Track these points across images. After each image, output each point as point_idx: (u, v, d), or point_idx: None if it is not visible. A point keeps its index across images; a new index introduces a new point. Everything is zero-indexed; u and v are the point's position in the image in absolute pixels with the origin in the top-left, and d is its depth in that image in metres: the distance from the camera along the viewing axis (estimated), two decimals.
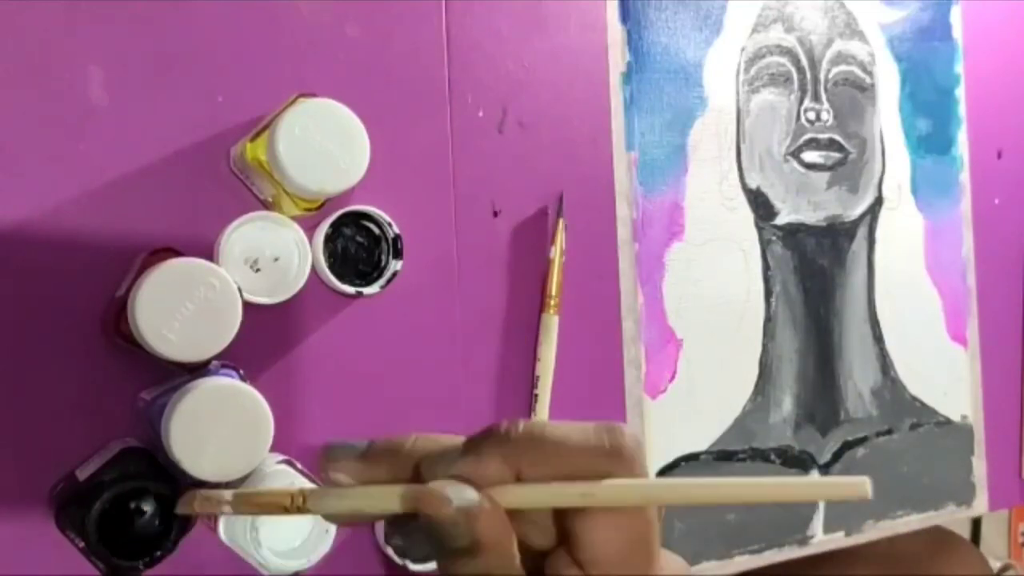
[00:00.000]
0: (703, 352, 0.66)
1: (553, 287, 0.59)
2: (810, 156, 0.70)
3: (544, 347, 0.59)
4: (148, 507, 0.42)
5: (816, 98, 0.71)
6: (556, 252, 0.59)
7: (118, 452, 0.43)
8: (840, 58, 0.72)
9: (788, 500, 0.27)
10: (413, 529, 0.28)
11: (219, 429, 0.41)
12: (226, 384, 0.43)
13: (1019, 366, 0.81)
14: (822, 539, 0.70)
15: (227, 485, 0.45)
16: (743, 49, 0.68)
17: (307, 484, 0.44)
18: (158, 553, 0.41)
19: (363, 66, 0.55)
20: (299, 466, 0.47)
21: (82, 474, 0.43)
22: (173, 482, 0.42)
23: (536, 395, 0.59)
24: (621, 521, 0.28)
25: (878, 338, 0.73)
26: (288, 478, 0.44)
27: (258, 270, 0.49)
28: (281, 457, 0.47)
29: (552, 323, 0.59)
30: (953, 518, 0.77)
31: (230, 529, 0.44)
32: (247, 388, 0.43)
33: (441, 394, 0.57)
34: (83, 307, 0.48)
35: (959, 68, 0.78)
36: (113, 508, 0.41)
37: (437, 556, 0.28)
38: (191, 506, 0.30)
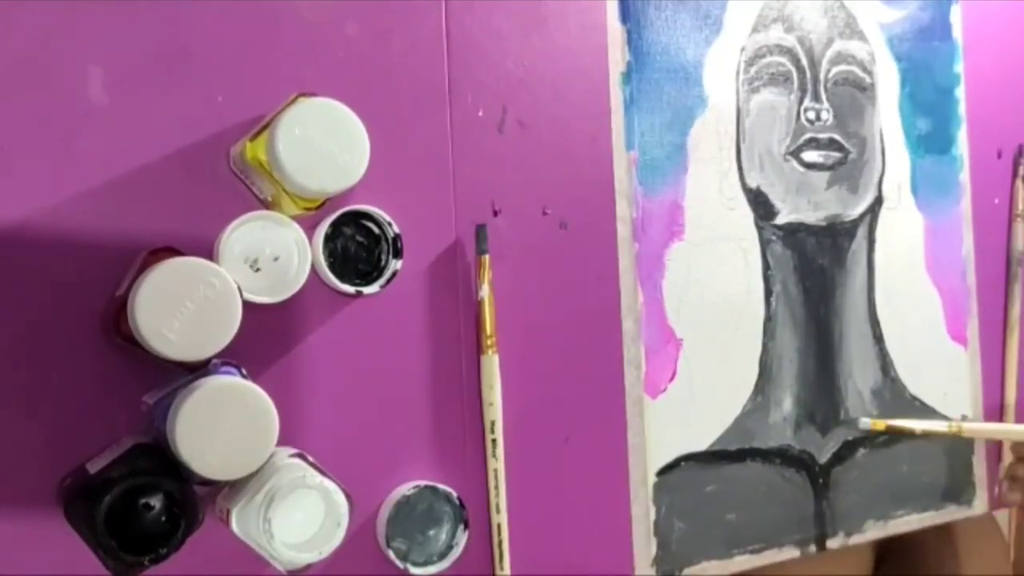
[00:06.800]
0: (703, 352, 0.66)
1: (488, 326, 0.56)
2: (810, 156, 0.70)
3: (486, 390, 0.57)
4: (157, 503, 0.42)
5: (816, 98, 0.71)
6: (486, 291, 0.56)
7: (130, 447, 0.43)
8: (840, 58, 0.72)
9: None
10: None
11: (225, 427, 0.41)
12: (230, 382, 0.43)
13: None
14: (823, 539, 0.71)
15: (236, 482, 0.45)
16: (743, 49, 0.68)
17: (319, 477, 0.44)
18: (164, 551, 0.41)
19: (363, 66, 0.55)
20: (310, 459, 0.47)
21: (93, 468, 0.43)
22: (183, 480, 0.42)
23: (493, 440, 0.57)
24: None
25: (878, 338, 0.74)
26: (300, 471, 0.44)
27: (258, 269, 0.49)
28: (294, 451, 0.48)
29: (492, 363, 0.57)
30: (953, 518, 0.77)
31: (243, 522, 0.44)
32: (251, 385, 0.43)
33: (441, 394, 0.57)
34: (83, 307, 0.48)
35: (959, 68, 0.78)
36: (122, 503, 0.41)
37: None
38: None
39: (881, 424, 0.70)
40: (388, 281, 0.54)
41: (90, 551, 0.41)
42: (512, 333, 0.59)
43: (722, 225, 0.67)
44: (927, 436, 0.72)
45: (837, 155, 0.72)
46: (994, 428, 0.74)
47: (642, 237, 0.64)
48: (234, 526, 0.44)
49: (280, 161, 0.45)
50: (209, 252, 0.48)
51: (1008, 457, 0.78)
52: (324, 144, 0.46)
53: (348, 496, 0.45)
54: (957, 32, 0.78)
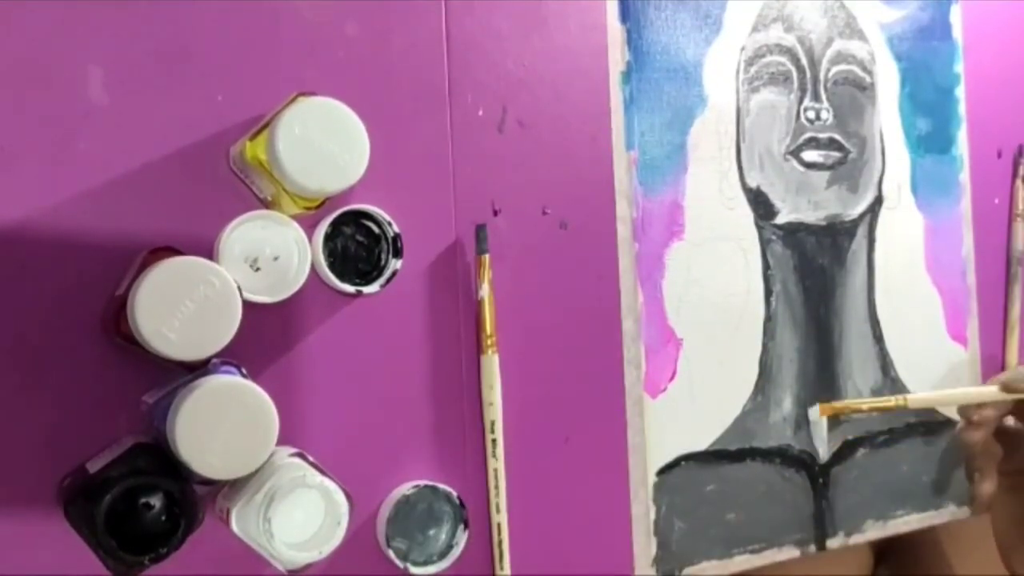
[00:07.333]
0: (703, 352, 0.66)
1: (488, 326, 0.56)
2: (810, 155, 0.70)
3: (486, 390, 0.57)
4: (157, 503, 0.42)
5: (816, 97, 0.71)
6: (486, 291, 0.56)
7: (130, 447, 0.43)
8: (840, 57, 0.72)
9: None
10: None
11: (224, 426, 0.41)
12: (230, 381, 0.43)
13: None
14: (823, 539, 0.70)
15: (235, 481, 0.45)
16: (743, 48, 0.68)
17: (319, 477, 0.44)
18: (164, 550, 0.41)
19: (363, 65, 0.55)
20: (310, 458, 0.47)
21: (92, 467, 0.43)
22: (183, 480, 0.42)
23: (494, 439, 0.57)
24: None
25: (878, 338, 0.74)
26: (300, 470, 0.44)
27: (258, 269, 0.49)
28: (293, 450, 0.48)
29: (492, 363, 0.57)
30: (953, 518, 0.77)
31: (243, 521, 0.44)
32: (250, 385, 0.43)
33: (441, 394, 0.57)
34: (83, 307, 0.48)
35: (959, 68, 0.78)
36: (122, 502, 0.41)
37: None
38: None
39: (829, 409, 0.69)
40: (388, 281, 0.54)
41: (90, 551, 0.41)
42: (512, 333, 0.59)
43: (722, 225, 0.67)
44: (875, 411, 0.71)
45: (837, 155, 0.72)
46: (937, 396, 0.73)
47: (642, 237, 0.64)
48: (234, 526, 0.44)
49: (280, 161, 0.45)
50: (209, 252, 0.48)
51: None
52: (324, 144, 0.46)
53: (348, 496, 0.45)
54: (957, 32, 0.78)
